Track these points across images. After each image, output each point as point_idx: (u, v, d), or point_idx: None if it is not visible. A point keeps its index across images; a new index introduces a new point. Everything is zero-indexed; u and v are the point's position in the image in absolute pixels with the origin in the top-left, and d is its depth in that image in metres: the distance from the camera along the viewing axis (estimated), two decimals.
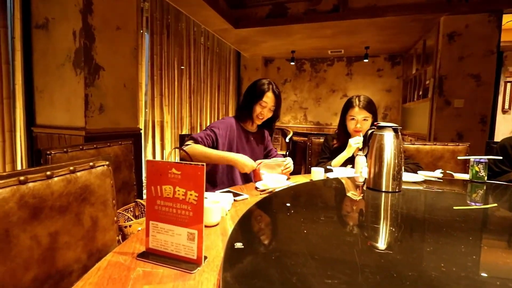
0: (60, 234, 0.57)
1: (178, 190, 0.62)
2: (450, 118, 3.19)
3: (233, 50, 5.45)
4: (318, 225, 0.76)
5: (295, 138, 5.02)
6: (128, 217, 0.96)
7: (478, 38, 3.09)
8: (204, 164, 0.60)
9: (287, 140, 5.40)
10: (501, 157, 1.50)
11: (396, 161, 1.12)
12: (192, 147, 1.38)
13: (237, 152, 1.51)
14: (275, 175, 1.32)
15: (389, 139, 1.13)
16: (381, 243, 0.67)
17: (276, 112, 1.61)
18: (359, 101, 1.68)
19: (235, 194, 1.12)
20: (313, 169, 1.46)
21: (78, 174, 0.62)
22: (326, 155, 1.81)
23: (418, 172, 1.53)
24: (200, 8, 3.29)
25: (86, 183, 0.63)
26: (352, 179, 1.40)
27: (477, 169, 1.36)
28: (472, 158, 1.36)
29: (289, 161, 1.46)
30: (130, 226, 0.87)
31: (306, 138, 4.24)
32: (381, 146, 1.14)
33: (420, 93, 3.91)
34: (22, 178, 0.51)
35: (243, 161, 1.35)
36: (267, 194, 1.14)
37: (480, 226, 0.86)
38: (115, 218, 0.72)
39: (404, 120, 4.95)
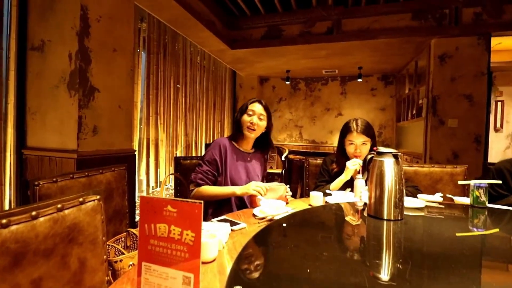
0: (43, 280, 0.52)
1: (174, 229, 0.58)
2: (445, 138, 3.22)
3: (228, 69, 5.52)
4: (321, 263, 0.72)
5: (290, 156, 4.99)
6: (118, 249, 0.91)
7: (469, 59, 3.18)
8: (202, 202, 0.56)
9: (282, 158, 5.38)
10: (500, 181, 1.49)
11: (398, 187, 1.10)
12: (198, 192, 1.42)
13: (231, 172, 1.49)
14: (273, 201, 1.28)
15: (389, 166, 1.11)
16: (390, 284, 0.63)
17: (268, 123, 1.58)
18: (357, 125, 1.66)
19: (232, 223, 1.08)
20: (312, 193, 1.43)
21: (66, 212, 0.58)
22: (325, 177, 1.78)
23: (418, 196, 1.50)
24: (197, 30, 3.35)
25: (74, 221, 0.59)
26: (351, 204, 1.37)
27: (478, 194, 1.34)
28: (472, 182, 1.35)
29: (286, 187, 1.43)
30: (120, 261, 0.82)
31: (301, 157, 4.22)
32: (381, 172, 1.12)
33: (414, 112, 3.97)
34: (4, 221, 0.47)
35: (248, 188, 1.36)
36: (266, 223, 1.10)
37: (488, 257, 0.82)
38: (105, 257, 0.67)
39: (398, 139, 4.99)
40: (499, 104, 4.54)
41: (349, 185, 1.65)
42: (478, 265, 0.75)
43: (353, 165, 1.58)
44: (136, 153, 3.16)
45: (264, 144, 1.65)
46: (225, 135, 5.47)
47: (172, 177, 3.28)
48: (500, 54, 4.58)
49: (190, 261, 0.57)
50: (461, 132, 3.16)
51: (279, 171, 5.42)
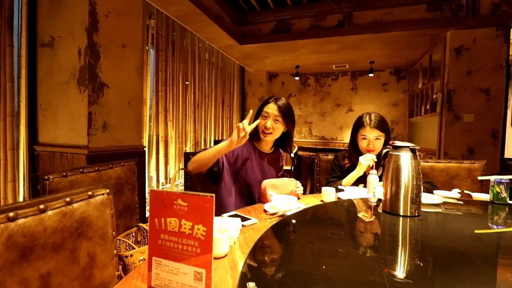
0: (52, 275, 0.51)
1: (184, 224, 0.56)
2: (460, 133, 3.11)
3: (237, 65, 5.49)
4: (337, 259, 0.69)
5: (300, 153, 4.94)
6: (129, 244, 0.90)
7: (486, 52, 3.05)
8: (214, 195, 0.54)
9: (292, 155, 5.33)
10: None
11: (415, 183, 1.05)
12: (192, 159, 1.32)
13: (246, 171, 1.45)
14: (284, 196, 1.25)
15: (406, 160, 1.07)
16: (407, 282, 0.59)
17: (287, 125, 1.48)
18: (370, 120, 1.61)
19: (243, 219, 1.05)
20: (324, 189, 1.39)
21: (75, 205, 0.57)
22: (337, 173, 1.74)
23: (434, 192, 1.45)
24: (205, 25, 3.32)
25: (83, 215, 0.58)
26: (364, 200, 1.33)
27: (498, 190, 1.28)
28: (492, 178, 1.29)
29: (296, 182, 1.39)
30: (131, 255, 0.81)
31: (311, 153, 4.17)
32: (398, 167, 1.08)
33: (428, 107, 3.86)
34: (11, 214, 0.45)
35: (233, 138, 1.21)
36: (278, 218, 1.07)
37: (508, 256, 0.78)
38: (115, 251, 0.66)
39: (411, 135, 4.87)
40: None
41: (362, 181, 1.60)
42: (497, 263, 0.71)
43: (366, 160, 1.53)
44: (146, 149, 3.18)
45: (284, 145, 1.57)
46: None
47: (182, 173, 3.29)
48: None
49: (201, 256, 0.55)
50: (477, 127, 3.05)
51: (288, 167, 5.38)
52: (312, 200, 1.39)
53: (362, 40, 3.68)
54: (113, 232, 0.65)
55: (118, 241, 0.88)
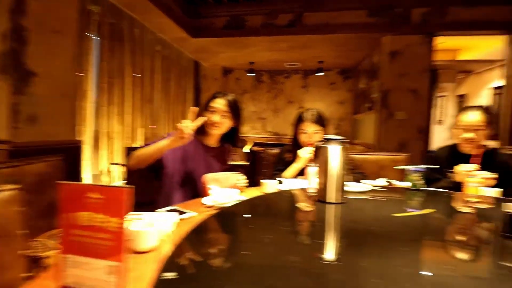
0: None
1: (97, 217, 0.54)
2: (393, 129, 3.46)
3: (191, 60, 5.35)
4: (262, 246, 0.73)
5: (254, 148, 5.03)
6: (46, 246, 0.83)
7: (416, 57, 3.42)
8: (132, 187, 0.53)
9: (246, 150, 5.41)
10: (434, 166, 1.63)
11: (341, 172, 1.15)
12: (131, 155, 1.27)
13: (190, 166, 1.43)
14: (224, 189, 1.27)
15: (334, 152, 1.16)
16: (317, 261, 0.65)
17: (235, 120, 1.48)
18: (310, 115, 1.73)
19: (181, 212, 1.05)
20: (263, 181, 1.44)
21: None
22: (281, 166, 1.82)
23: (364, 181, 1.60)
24: (153, 15, 3.18)
25: None
26: (303, 190, 1.41)
27: (414, 178, 1.46)
28: (409, 167, 1.46)
29: (238, 176, 1.41)
30: (48, 257, 0.75)
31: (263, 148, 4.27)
32: (327, 158, 1.17)
33: (368, 105, 4.20)
34: None
35: (175, 138, 1.20)
36: (216, 211, 1.08)
37: (422, 235, 0.89)
38: (24, 252, 0.61)
39: (354, 131, 5.26)
40: (442, 99, 4.99)
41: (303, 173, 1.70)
42: (412, 242, 0.81)
43: (306, 153, 1.63)
44: (89, 145, 2.96)
45: (231, 139, 1.55)
46: None
47: (122, 168, 3.13)
48: (443, 53, 5.01)
49: (115, 250, 0.54)
50: (407, 124, 3.42)
51: (242, 163, 5.44)
52: (254, 193, 1.43)
53: (311, 40, 3.86)
54: (22, 231, 0.61)
55: (36, 241, 0.81)
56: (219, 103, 1.43)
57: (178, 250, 0.67)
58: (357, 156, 1.94)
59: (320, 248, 0.74)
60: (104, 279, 0.54)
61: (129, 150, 1.77)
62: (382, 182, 1.61)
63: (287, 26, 3.68)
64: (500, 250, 0.77)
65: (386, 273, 0.58)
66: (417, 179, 1.45)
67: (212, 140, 1.53)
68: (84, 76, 2.87)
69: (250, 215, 1.07)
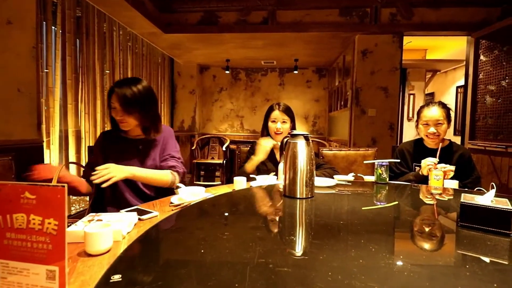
0: None
1: (33, 219, 0.50)
2: (366, 126, 3.56)
3: (166, 56, 5.21)
4: (219, 243, 0.71)
5: (232, 146, 5.00)
6: None
7: (385, 56, 3.54)
8: (66, 185, 0.50)
9: (224, 148, 5.36)
10: (399, 160, 1.70)
11: (308, 167, 1.16)
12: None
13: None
14: (192, 187, 1.24)
15: (301, 147, 1.17)
16: (281, 257, 0.65)
17: (141, 112, 1.28)
18: (279, 105, 1.83)
19: (143, 212, 1.01)
20: (235, 178, 1.43)
21: None
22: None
23: (334, 176, 1.63)
24: (121, 9, 3.05)
25: None
26: (273, 186, 1.41)
27: (380, 172, 1.50)
28: (375, 162, 1.50)
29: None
30: None
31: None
32: (294, 154, 1.17)
33: (342, 103, 4.30)
34: None
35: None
36: (179, 209, 1.06)
37: (387, 226, 0.91)
38: None
39: (330, 128, 5.37)
40: (411, 97, 5.21)
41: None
42: (377, 234, 0.82)
43: (265, 143, 1.69)
44: (56, 145, 2.79)
45: (153, 128, 1.35)
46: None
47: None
48: (412, 53, 5.24)
49: (54, 253, 0.50)
50: (378, 120, 3.54)
51: (220, 161, 5.40)
52: (224, 190, 1.42)
53: (285, 38, 3.87)
54: None
55: None
56: (114, 98, 1.26)
57: (129, 251, 0.64)
58: (328, 152, 1.97)
59: (284, 243, 0.74)
60: (44, 285, 0.50)
61: (90, 149, 1.69)
62: (350, 177, 1.65)
63: (260, 23, 3.67)
64: (457, 239, 0.81)
65: (350, 265, 0.59)
66: (383, 173, 1.50)
67: (133, 131, 1.37)
68: (49, 72, 2.71)
69: (212, 213, 1.04)
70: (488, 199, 0.83)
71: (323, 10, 3.57)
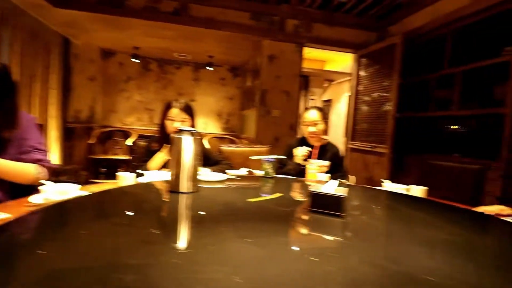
0: None
1: None
2: (270, 125, 3.87)
3: (58, 34, 4.45)
4: (73, 244, 0.67)
5: (139, 141, 4.66)
6: None
7: (289, 62, 3.90)
8: None
9: (129, 143, 4.93)
10: (284, 156, 1.92)
11: (193, 162, 1.19)
12: None
13: None
14: (61, 184, 1.12)
15: (186, 142, 1.19)
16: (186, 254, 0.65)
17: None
18: (178, 103, 1.74)
19: None
20: (119, 174, 1.35)
21: None
22: (147, 158, 1.74)
23: (229, 171, 1.71)
24: None
25: None
26: (162, 182, 1.39)
27: (267, 167, 1.66)
28: (262, 157, 1.66)
29: None
30: None
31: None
32: (179, 149, 1.18)
33: (252, 103, 4.54)
34: None
35: None
36: (38, 210, 0.93)
37: (271, 216, 1.01)
38: None
39: (242, 126, 5.60)
40: (312, 101, 5.91)
41: None
42: (263, 222, 0.89)
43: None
44: None
45: (5, 124, 1.16)
46: (51, 115, 4.43)
47: None
48: (313, 63, 5.92)
49: None
50: (281, 121, 3.89)
51: (125, 157, 4.95)
52: (107, 187, 1.32)
53: (198, 33, 3.84)
54: None
55: None
56: None
57: None
58: (226, 148, 2.06)
59: (163, 238, 0.74)
60: None
61: None
62: (243, 171, 1.76)
63: (172, 13, 3.54)
64: (308, 221, 0.96)
65: (232, 256, 0.63)
66: (269, 168, 1.66)
67: None
68: None
69: (77, 212, 0.97)
70: (332, 188, 1.03)
71: (235, 11, 3.69)
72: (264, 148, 2.14)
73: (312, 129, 1.91)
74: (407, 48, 3.38)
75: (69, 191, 1.08)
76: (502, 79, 2.49)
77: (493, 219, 1.12)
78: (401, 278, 0.57)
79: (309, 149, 1.80)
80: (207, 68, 5.32)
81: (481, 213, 1.19)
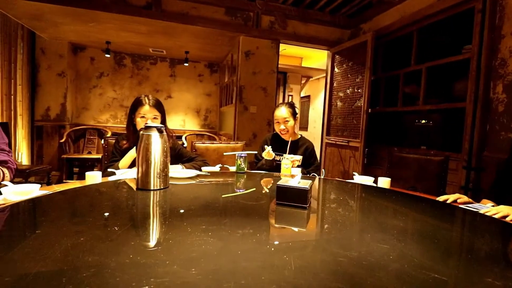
0: None
1: None
2: (248, 121, 3.88)
3: (23, 27, 4.20)
4: (34, 245, 0.65)
5: (111, 140, 4.51)
6: None
7: (265, 59, 3.92)
8: None
9: (103, 141, 4.77)
10: (255, 152, 1.95)
11: (161, 159, 1.18)
12: None
13: None
14: (20, 185, 1.08)
15: (154, 139, 1.18)
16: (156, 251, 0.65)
17: None
18: (149, 99, 1.69)
19: None
20: (87, 173, 1.32)
21: None
22: (116, 157, 1.70)
23: (202, 168, 1.71)
24: None
25: None
26: (133, 179, 1.37)
27: (239, 162, 1.68)
28: (235, 153, 1.67)
29: None
30: None
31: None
32: (147, 146, 1.17)
33: (230, 99, 4.52)
34: None
35: None
36: None
37: (244, 210, 1.03)
38: None
39: (221, 122, 5.57)
40: (290, 97, 5.97)
41: None
42: (229, 216, 0.91)
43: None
44: None
45: None
46: (18, 113, 4.19)
47: None
48: (291, 59, 5.98)
49: None
50: (258, 117, 3.91)
51: (99, 156, 4.78)
52: (72, 186, 1.28)
53: (172, 28, 3.76)
54: None
55: None
56: None
57: None
58: (201, 145, 2.06)
59: (124, 236, 0.73)
60: None
61: None
62: (217, 168, 1.77)
63: (144, 7, 3.44)
64: (272, 214, 0.99)
65: (191, 249, 0.64)
66: (242, 163, 1.68)
67: None
68: None
69: (38, 212, 0.94)
70: (297, 181, 1.06)
71: (210, 6, 3.64)
72: (239, 144, 2.16)
73: (282, 126, 1.98)
74: (378, 45, 3.50)
75: (30, 191, 1.05)
76: (463, 75, 2.64)
77: (449, 206, 1.21)
78: (348, 263, 0.61)
79: (270, 149, 1.83)
80: (185, 64, 5.23)
81: (436, 201, 1.27)
